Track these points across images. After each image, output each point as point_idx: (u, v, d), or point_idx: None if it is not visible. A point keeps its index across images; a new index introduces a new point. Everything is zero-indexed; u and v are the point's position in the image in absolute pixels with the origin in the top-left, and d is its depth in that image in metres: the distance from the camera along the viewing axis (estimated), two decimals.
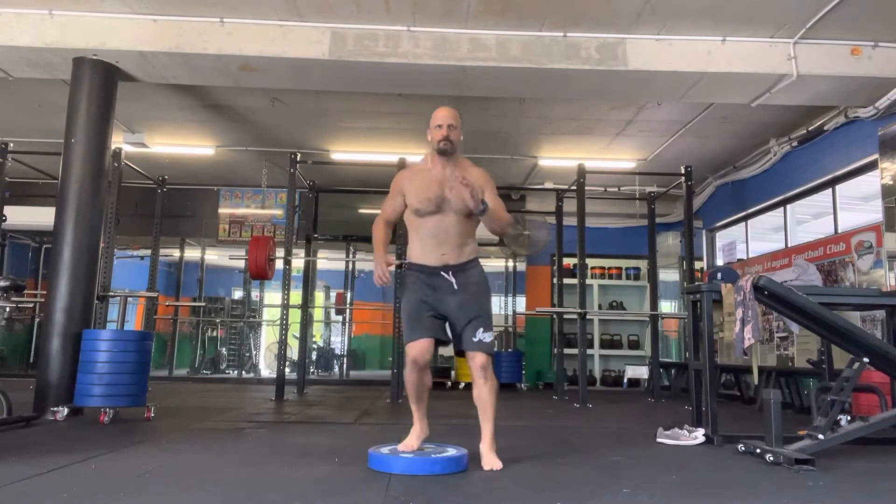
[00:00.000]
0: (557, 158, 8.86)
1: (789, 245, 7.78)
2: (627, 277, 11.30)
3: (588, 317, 7.98)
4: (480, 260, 3.32)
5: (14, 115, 7.73)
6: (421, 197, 3.14)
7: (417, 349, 3.07)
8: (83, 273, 5.20)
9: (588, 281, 10.02)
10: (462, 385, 9.23)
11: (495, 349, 3.11)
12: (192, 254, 12.31)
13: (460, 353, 3.19)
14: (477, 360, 3.09)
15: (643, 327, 10.87)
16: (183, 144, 8.67)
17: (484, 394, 3.14)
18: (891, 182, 5.81)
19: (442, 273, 3.13)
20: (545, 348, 10.44)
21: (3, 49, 5.38)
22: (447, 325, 3.16)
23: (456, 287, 3.13)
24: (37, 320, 10.75)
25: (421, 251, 3.18)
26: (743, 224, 9.13)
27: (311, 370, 11.53)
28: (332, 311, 13.44)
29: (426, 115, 3.42)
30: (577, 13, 5.21)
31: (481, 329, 3.10)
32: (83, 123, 5.37)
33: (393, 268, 3.18)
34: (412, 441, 3.22)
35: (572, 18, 5.30)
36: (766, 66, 5.53)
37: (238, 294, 13.85)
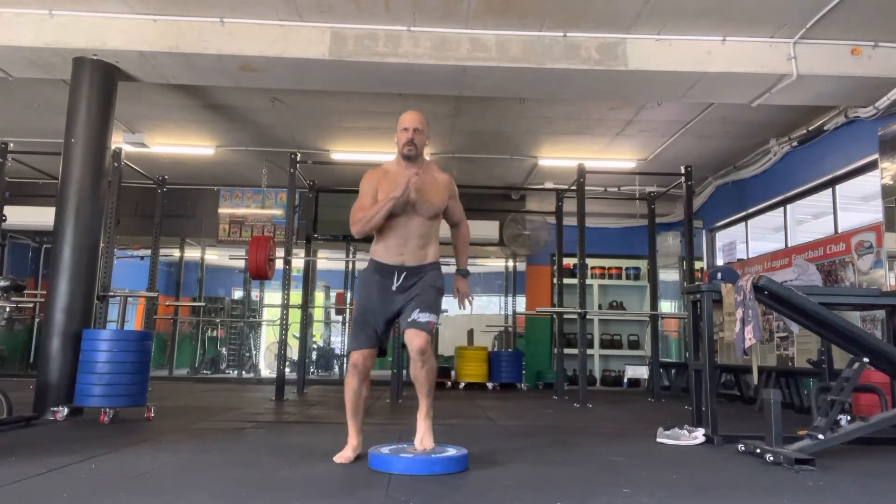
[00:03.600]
0: (557, 158, 8.86)
1: (789, 245, 7.78)
2: (627, 277, 11.30)
3: (588, 317, 7.98)
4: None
5: (14, 115, 7.73)
6: None
7: (359, 356, 3.20)
8: (83, 273, 5.20)
9: (588, 281, 10.05)
10: (462, 385, 9.24)
11: (433, 331, 3.16)
12: (192, 254, 12.31)
13: (403, 333, 3.21)
14: (414, 342, 3.11)
15: (643, 327, 10.88)
16: (183, 144, 8.67)
17: (421, 375, 3.19)
18: (891, 182, 5.81)
19: (396, 272, 3.22)
20: (545, 348, 10.44)
21: (3, 49, 5.38)
22: (400, 321, 3.24)
23: (405, 286, 3.21)
24: (37, 320, 10.75)
25: (384, 249, 3.26)
26: (743, 224, 9.13)
27: (311, 370, 11.54)
28: (332, 311, 13.44)
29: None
30: (577, 13, 5.21)
31: (418, 310, 3.14)
32: (83, 123, 5.37)
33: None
34: (348, 453, 3.22)
35: (572, 18, 5.30)
36: (766, 66, 5.53)
37: (238, 294, 13.85)
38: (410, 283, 3.21)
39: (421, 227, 3.24)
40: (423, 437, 3.20)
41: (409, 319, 3.13)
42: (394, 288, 3.21)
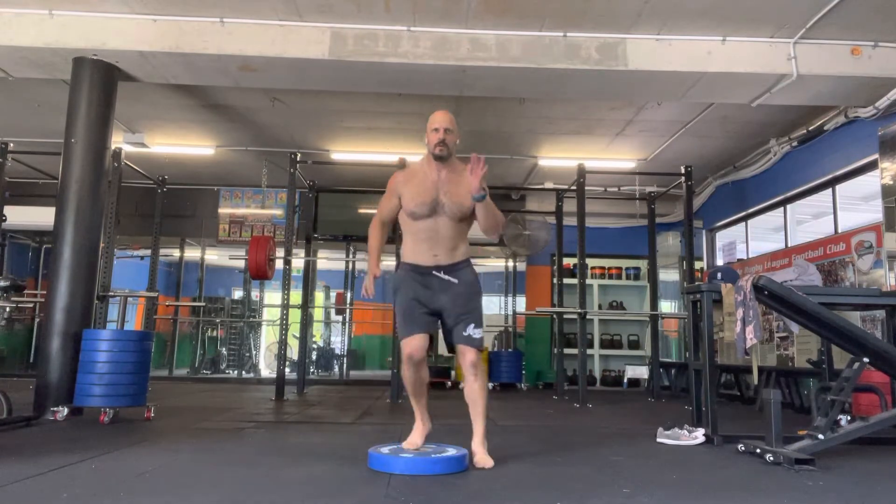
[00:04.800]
0: (557, 158, 8.86)
1: (789, 245, 7.78)
2: (627, 277, 11.30)
3: (588, 317, 7.98)
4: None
5: (14, 115, 7.73)
6: (416, 200, 3.18)
7: (412, 345, 3.12)
8: (83, 273, 5.20)
9: (588, 281, 10.03)
10: (462, 385, 9.21)
11: (490, 348, 3.19)
12: (192, 254, 12.30)
13: (452, 348, 3.24)
14: (467, 356, 3.13)
15: (643, 327, 10.88)
16: (183, 144, 8.67)
17: (475, 390, 3.20)
18: (891, 182, 5.81)
19: (434, 272, 3.19)
20: (545, 348, 10.44)
21: (3, 49, 5.38)
22: (440, 321, 3.22)
23: (448, 284, 3.18)
24: (37, 320, 10.74)
25: (413, 252, 3.23)
26: (743, 224, 9.14)
27: (311, 370, 11.53)
28: (332, 311, 13.43)
29: (426, 115, 3.43)
30: (577, 13, 5.21)
31: (472, 325, 3.15)
32: (83, 123, 5.37)
33: (373, 282, 3.25)
34: (416, 438, 3.25)
35: (572, 18, 5.30)
36: (766, 66, 5.53)
37: (238, 294, 13.84)
38: (450, 280, 3.18)
39: (451, 228, 3.20)
40: (486, 461, 3.13)
41: (465, 335, 3.13)
42: (433, 281, 3.18)
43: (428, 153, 3.25)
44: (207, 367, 11.96)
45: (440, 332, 3.31)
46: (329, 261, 12.43)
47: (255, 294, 12.64)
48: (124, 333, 4.92)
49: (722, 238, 9.86)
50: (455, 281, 3.19)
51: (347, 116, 7.68)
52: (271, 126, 8.05)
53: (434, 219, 3.18)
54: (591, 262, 10.46)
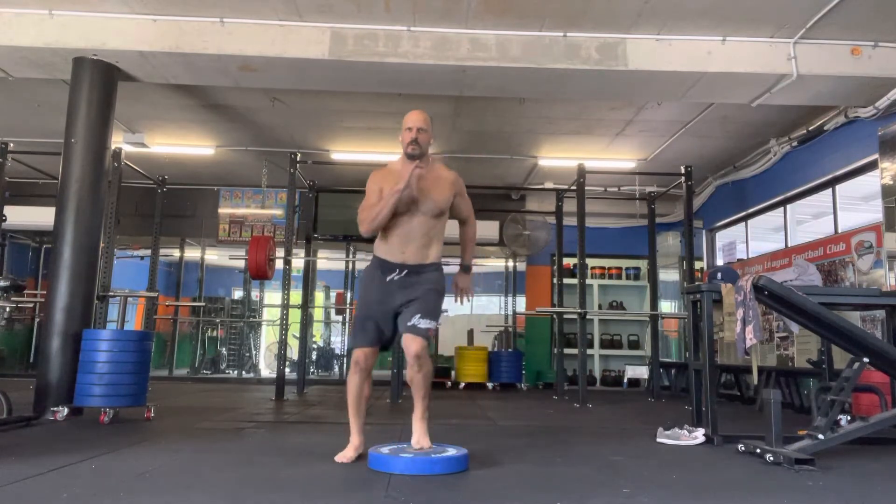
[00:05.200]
0: (557, 158, 8.86)
1: (789, 245, 7.78)
2: (627, 277, 11.30)
3: (588, 317, 7.98)
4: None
5: (14, 115, 7.73)
6: None
7: (361, 353, 3.21)
8: (83, 273, 5.20)
9: (588, 281, 10.03)
10: (462, 385, 9.23)
11: (430, 338, 3.20)
12: (192, 254, 12.30)
13: (400, 336, 3.20)
14: (411, 348, 3.10)
15: (643, 327, 10.88)
16: (183, 144, 8.67)
17: (418, 379, 3.20)
18: (891, 182, 5.81)
19: (398, 269, 3.22)
20: (545, 348, 10.44)
21: (3, 49, 5.38)
22: (398, 321, 3.22)
23: (406, 283, 3.21)
24: (37, 320, 10.74)
25: (386, 247, 3.27)
26: (743, 224, 9.13)
27: (311, 370, 11.54)
28: (332, 311, 13.44)
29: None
30: (577, 13, 5.21)
31: (418, 315, 3.13)
32: (83, 123, 5.37)
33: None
34: (350, 452, 3.22)
35: (572, 18, 5.30)
36: (766, 66, 5.53)
37: (238, 294, 13.84)
38: (411, 281, 3.21)
39: (424, 225, 3.23)
40: (420, 438, 3.20)
41: (409, 324, 3.12)
42: (394, 281, 3.20)
43: (403, 152, 3.31)
44: (207, 367, 11.96)
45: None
46: (329, 261, 12.43)
47: (255, 294, 12.64)
48: (124, 333, 4.92)
49: (722, 238, 9.86)
50: (417, 279, 3.21)
51: (347, 116, 7.67)
52: (271, 126, 8.05)
53: (409, 216, 3.22)
54: (591, 262, 10.46)
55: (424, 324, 3.12)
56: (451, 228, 3.41)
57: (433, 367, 3.38)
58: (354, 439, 3.27)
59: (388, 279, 3.22)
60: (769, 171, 8.21)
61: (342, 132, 8.22)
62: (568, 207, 8.47)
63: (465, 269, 3.49)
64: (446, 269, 3.34)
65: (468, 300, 3.45)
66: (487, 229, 9.40)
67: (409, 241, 3.22)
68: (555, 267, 9.50)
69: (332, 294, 13.51)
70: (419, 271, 3.23)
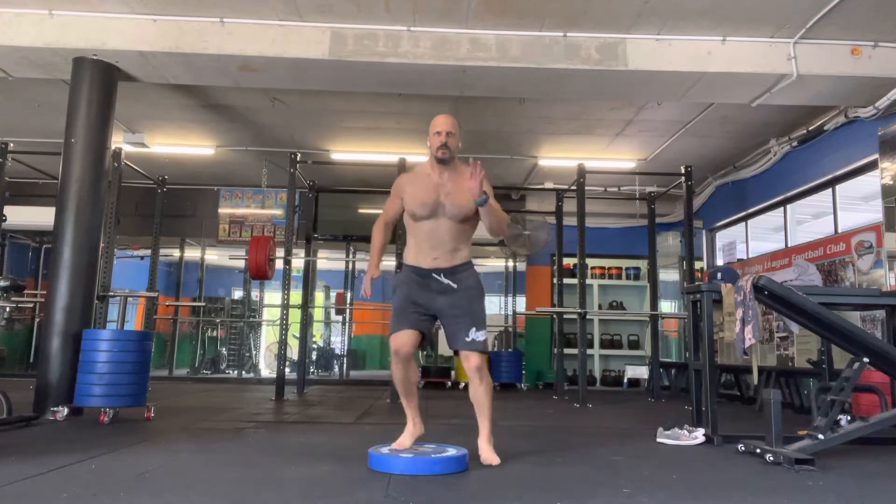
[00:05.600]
0: (557, 158, 8.86)
1: (789, 245, 7.78)
2: (627, 277, 11.30)
3: (588, 317, 7.98)
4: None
5: (14, 115, 7.73)
6: (417, 201, 3.22)
7: (399, 341, 3.16)
8: (83, 273, 5.20)
9: (588, 281, 10.03)
10: (462, 385, 9.23)
11: (490, 349, 3.22)
12: (192, 254, 12.30)
13: (456, 352, 3.23)
14: (471, 360, 3.13)
15: (643, 327, 10.88)
16: (183, 144, 8.67)
17: (480, 393, 3.20)
18: (891, 182, 5.81)
19: (433, 275, 3.20)
20: (545, 348, 10.44)
21: (3, 49, 5.38)
22: (438, 323, 3.24)
23: (446, 288, 3.19)
24: (37, 320, 10.74)
25: (415, 253, 3.26)
26: (743, 224, 9.14)
27: (311, 370, 11.53)
28: (332, 311, 13.44)
29: (426, 115, 3.44)
30: (577, 13, 5.21)
31: (473, 329, 3.15)
32: (83, 123, 5.37)
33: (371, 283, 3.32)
34: (405, 440, 3.26)
35: (572, 18, 5.30)
36: (766, 66, 5.53)
37: (238, 294, 13.84)
38: (449, 285, 3.19)
39: (452, 230, 3.22)
40: (490, 458, 3.15)
41: (468, 340, 3.13)
42: (431, 285, 3.20)
43: (430, 156, 3.29)
44: (207, 367, 11.96)
45: (441, 333, 3.32)
46: (329, 261, 12.42)
47: (255, 294, 12.64)
48: (124, 333, 4.92)
49: (722, 238, 9.86)
50: (454, 285, 3.20)
51: (347, 116, 7.68)
52: (271, 126, 8.05)
53: (435, 220, 3.20)
54: (591, 262, 10.46)
55: (481, 336, 3.15)
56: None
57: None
58: (410, 425, 3.30)
59: (425, 283, 3.21)
60: (769, 171, 8.21)
61: (342, 132, 8.22)
62: (568, 207, 8.47)
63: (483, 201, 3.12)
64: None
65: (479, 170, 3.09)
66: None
67: (438, 246, 3.21)
68: (555, 267, 9.51)
69: (332, 294, 13.51)
70: (453, 272, 3.22)
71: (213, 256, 12.82)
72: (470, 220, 3.27)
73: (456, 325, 3.17)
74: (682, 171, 7.54)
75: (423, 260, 3.22)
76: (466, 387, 9.61)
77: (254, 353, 12.28)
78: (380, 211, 3.44)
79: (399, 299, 3.24)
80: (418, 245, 3.24)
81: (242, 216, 10.55)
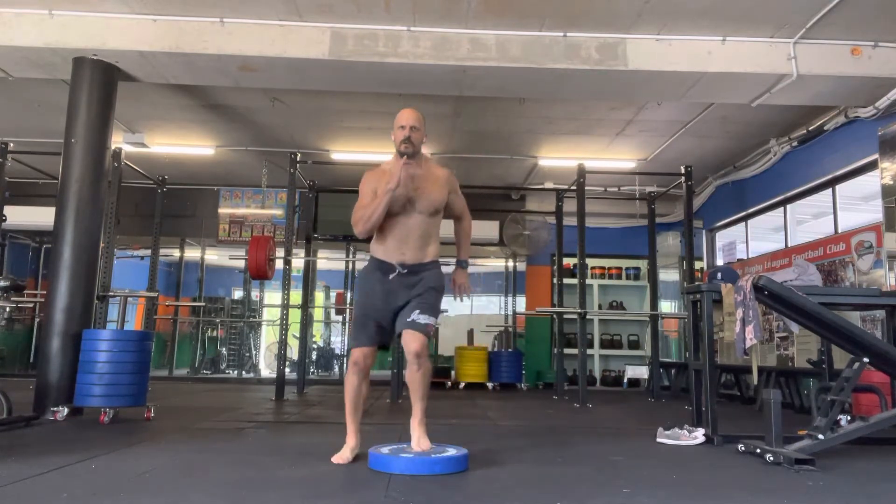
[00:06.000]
0: (557, 158, 8.86)
1: (789, 245, 7.78)
2: (627, 277, 11.30)
3: (588, 317, 7.98)
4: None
5: (14, 115, 7.73)
6: None
7: (358, 354, 3.20)
8: (83, 273, 5.20)
9: (588, 281, 10.04)
10: (462, 385, 9.23)
11: (430, 335, 3.19)
12: (192, 254, 12.30)
13: (399, 334, 3.20)
14: (411, 345, 3.10)
15: (643, 327, 10.88)
16: (183, 144, 8.67)
17: (416, 379, 3.19)
18: (891, 182, 5.81)
19: (399, 269, 3.21)
20: (545, 348, 10.44)
21: (3, 49, 5.38)
22: (397, 322, 3.22)
23: (409, 282, 3.20)
24: (37, 320, 10.75)
25: (383, 248, 3.26)
26: (743, 224, 9.13)
27: (311, 370, 11.54)
28: (332, 311, 13.44)
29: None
30: (577, 13, 5.21)
31: (417, 311, 3.14)
32: (83, 123, 5.37)
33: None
34: (346, 453, 3.21)
35: (572, 18, 5.30)
36: (766, 66, 5.53)
37: (238, 294, 13.85)
38: (412, 280, 3.21)
39: (421, 225, 3.23)
40: (420, 441, 3.18)
41: (409, 320, 3.13)
42: (395, 281, 3.20)
43: (395, 151, 3.30)
44: (207, 367, 11.96)
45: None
46: (329, 261, 12.43)
47: (255, 294, 12.65)
48: (124, 333, 4.92)
49: (722, 238, 9.86)
50: (417, 279, 3.21)
51: (347, 116, 7.67)
52: (271, 126, 8.05)
53: (405, 215, 3.21)
54: (591, 262, 10.46)
55: (424, 319, 3.12)
56: (446, 228, 3.41)
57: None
58: (351, 440, 3.27)
59: (389, 278, 3.21)
60: (769, 171, 8.21)
61: (342, 132, 8.22)
62: (568, 207, 8.47)
63: (462, 265, 3.48)
64: (444, 269, 3.34)
65: (467, 297, 3.45)
66: (487, 229, 9.41)
67: (407, 240, 3.21)
68: (555, 267, 9.50)
69: (332, 294, 13.51)
70: (418, 270, 3.23)
71: (213, 256, 12.82)
72: (439, 212, 3.30)
73: (406, 308, 3.18)
74: (682, 171, 7.54)
75: (390, 254, 3.23)
76: (467, 387, 9.63)
77: (254, 353, 12.28)
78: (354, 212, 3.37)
79: (359, 306, 3.28)
80: (386, 239, 3.24)
81: (242, 216, 10.55)
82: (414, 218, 3.22)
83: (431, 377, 3.31)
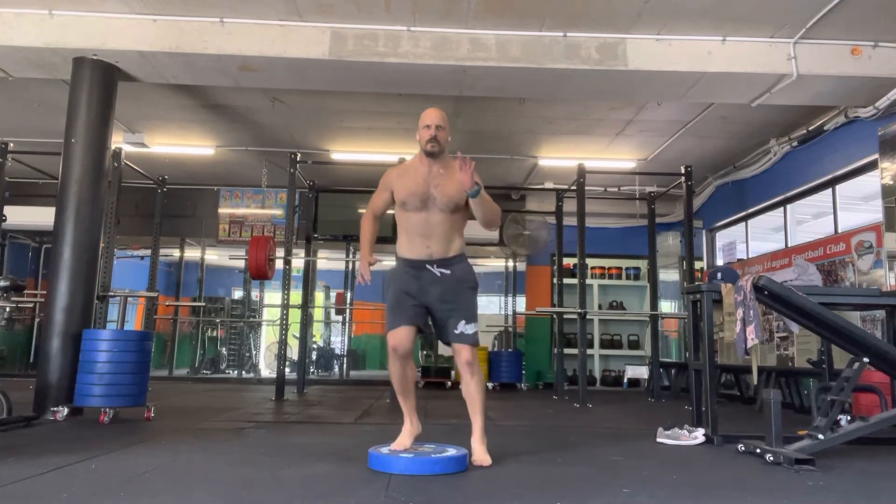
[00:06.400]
0: (557, 158, 8.86)
1: (789, 245, 7.78)
2: (627, 277, 11.30)
3: (588, 317, 7.98)
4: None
5: (14, 115, 7.73)
6: (407, 192, 3.23)
7: (397, 337, 3.13)
8: (83, 273, 5.20)
9: (588, 281, 10.03)
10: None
11: (479, 342, 3.19)
12: (192, 254, 12.30)
13: (447, 342, 3.23)
14: (462, 354, 3.13)
15: (643, 327, 10.88)
16: (183, 144, 8.67)
17: (472, 389, 3.19)
18: (891, 182, 5.81)
19: (427, 265, 3.20)
20: (545, 348, 10.44)
21: (3, 49, 5.38)
22: (430, 316, 3.23)
23: (439, 277, 3.19)
24: (37, 320, 10.74)
25: (408, 245, 3.26)
26: (743, 224, 9.13)
27: (311, 370, 11.54)
28: (332, 311, 13.44)
29: None
30: (577, 13, 5.21)
31: (463, 321, 3.14)
32: (83, 123, 5.37)
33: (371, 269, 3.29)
34: (404, 439, 3.24)
35: (572, 18, 5.30)
36: (766, 66, 5.53)
37: (238, 294, 13.84)
38: (443, 277, 3.18)
39: (444, 221, 3.22)
40: (483, 458, 3.14)
41: (457, 332, 3.13)
42: (427, 277, 3.18)
43: (420, 150, 3.31)
44: (207, 367, 11.96)
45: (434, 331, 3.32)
46: (329, 261, 12.42)
47: (255, 294, 12.64)
48: (124, 333, 4.92)
49: (722, 238, 9.86)
50: (448, 272, 3.20)
51: (347, 116, 7.68)
52: (271, 126, 8.05)
53: (426, 212, 3.21)
54: (591, 262, 10.46)
55: (471, 329, 3.14)
56: (470, 229, 3.39)
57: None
58: (408, 425, 3.27)
59: (421, 274, 3.20)
60: (769, 171, 8.21)
61: (342, 132, 8.22)
62: (568, 207, 8.47)
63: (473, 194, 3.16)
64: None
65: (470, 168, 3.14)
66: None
67: (431, 237, 3.21)
68: (555, 267, 9.50)
69: (332, 294, 13.51)
70: (447, 264, 3.21)
71: (213, 256, 12.82)
72: (461, 210, 3.29)
73: (446, 318, 3.16)
74: (682, 171, 7.54)
75: (416, 251, 3.22)
76: None
77: (254, 353, 12.28)
78: (368, 206, 3.43)
79: (393, 293, 3.23)
80: (410, 237, 3.24)
81: (242, 216, 10.55)
82: (436, 215, 3.21)
83: (485, 385, 3.28)
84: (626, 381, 10.22)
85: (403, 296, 3.17)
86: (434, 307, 3.19)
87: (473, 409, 3.21)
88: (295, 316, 9.11)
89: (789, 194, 7.84)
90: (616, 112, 7.34)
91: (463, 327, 3.13)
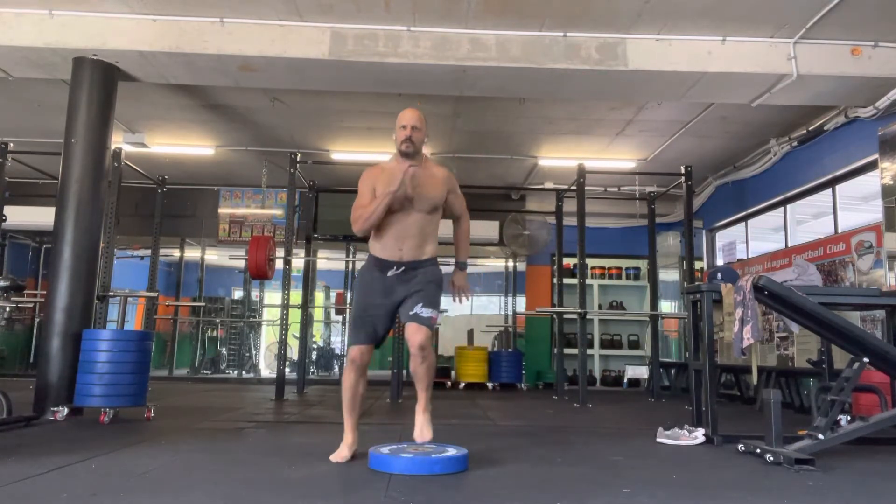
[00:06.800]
0: (557, 158, 8.86)
1: (789, 245, 7.78)
2: (627, 277, 11.30)
3: (588, 317, 7.98)
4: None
5: (14, 115, 7.73)
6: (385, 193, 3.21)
7: (357, 351, 3.22)
8: (83, 273, 5.20)
9: (588, 281, 10.04)
10: (462, 385, 9.23)
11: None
12: (192, 254, 12.31)
13: (403, 323, 3.24)
14: (415, 338, 3.11)
15: (643, 327, 10.88)
16: (183, 144, 8.67)
17: (421, 371, 3.20)
18: (891, 182, 5.81)
19: (396, 268, 3.22)
20: (545, 348, 10.44)
21: (3, 49, 5.38)
22: (399, 314, 3.25)
23: (407, 277, 3.22)
24: (37, 320, 10.74)
25: (381, 245, 3.28)
26: (743, 224, 9.13)
27: (311, 370, 11.54)
28: (332, 311, 13.44)
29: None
30: (577, 13, 5.21)
31: (421, 304, 3.16)
32: (83, 123, 5.37)
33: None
34: (345, 451, 3.24)
35: (572, 18, 5.30)
36: (766, 66, 5.53)
37: (238, 294, 13.85)
38: (410, 276, 3.22)
39: (419, 222, 3.24)
40: (423, 429, 3.21)
41: (411, 313, 3.14)
42: (393, 277, 3.21)
43: (396, 150, 3.32)
44: (207, 367, 11.96)
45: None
46: (329, 261, 12.43)
47: (255, 294, 12.64)
48: (124, 333, 4.92)
49: (722, 238, 9.86)
50: (415, 275, 3.23)
51: (347, 116, 7.68)
52: (271, 126, 8.05)
53: (404, 213, 3.23)
54: (591, 262, 10.47)
55: (426, 312, 3.14)
56: (445, 228, 3.41)
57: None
58: (348, 437, 3.29)
59: (387, 275, 3.22)
60: (769, 171, 8.21)
61: (342, 132, 8.22)
62: (568, 207, 8.47)
63: (461, 266, 3.49)
64: (442, 269, 3.35)
65: (466, 299, 3.46)
66: (487, 229, 9.41)
67: (405, 238, 3.23)
68: (555, 267, 9.51)
69: (332, 294, 13.51)
70: (416, 267, 3.24)
71: (213, 256, 12.82)
72: (437, 211, 3.32)
73: (407, 299, 3.20)
74: (682, 171, 7.54)
75: (388, 251, 3.24)
76: (467, 387, 9.64)
77: (254, 353, 12.28)
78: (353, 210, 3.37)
79: (357, 302, 3.29)
80: (385, 236, 3.25)
81: (242, 216, 10.55)
82: (412, 216, 3.23)
83: (435, 369, 3.32)
84: (626, 381, 10.22)
85: (367, 313, 3.22)
86: (401, 298, 3.22)
87: (420, 385, 3.24)
88: (295, 316, 9.11)
89: (789, 194, 7.84)
90: (616, 112, 7.34)
91: (420, 309, 3.14)
